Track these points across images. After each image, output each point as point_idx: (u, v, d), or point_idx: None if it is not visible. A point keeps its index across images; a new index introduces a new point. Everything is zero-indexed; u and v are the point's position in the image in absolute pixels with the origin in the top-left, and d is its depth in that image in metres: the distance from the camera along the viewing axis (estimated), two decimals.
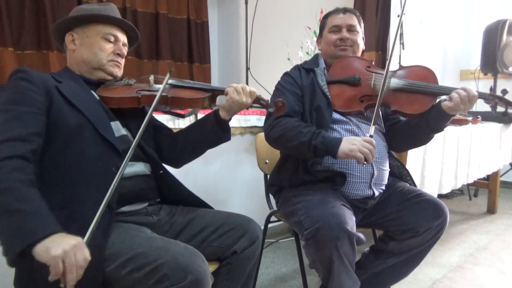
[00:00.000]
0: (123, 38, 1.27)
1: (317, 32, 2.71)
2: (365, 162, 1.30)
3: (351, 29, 1.59)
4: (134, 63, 2.87)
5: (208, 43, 3.29)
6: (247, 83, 2.85)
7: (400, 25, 3.03)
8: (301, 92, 1.54)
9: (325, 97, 1.50)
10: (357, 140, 1.31)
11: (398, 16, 3.04)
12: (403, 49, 3.14)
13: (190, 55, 3.20)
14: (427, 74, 1.51)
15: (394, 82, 1.46)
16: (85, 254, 0.86)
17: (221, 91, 1.26)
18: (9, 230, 0.87)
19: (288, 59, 2.73)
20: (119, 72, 1.27)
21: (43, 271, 0.98)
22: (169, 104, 1.23)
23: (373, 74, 1.51)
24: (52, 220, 0.89)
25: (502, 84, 3.63)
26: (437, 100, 1.44)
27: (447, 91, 1.41)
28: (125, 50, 1.28)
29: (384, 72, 1.40)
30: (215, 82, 3.39)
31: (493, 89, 3.43)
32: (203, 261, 0.99)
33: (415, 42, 3.73)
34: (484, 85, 3.86)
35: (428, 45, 3.97)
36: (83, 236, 0.90)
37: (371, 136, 1.32)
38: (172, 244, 1.01)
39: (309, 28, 2.79)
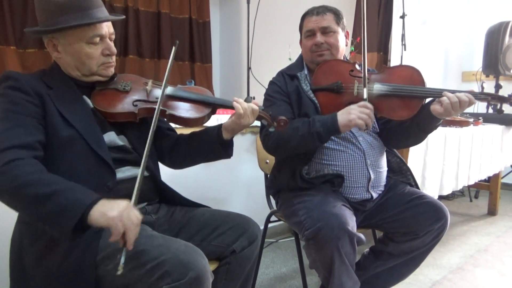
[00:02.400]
0: (108, 29, 1.13)
1: None
2: (365, 129, 1.30)
3: (325, 31, 1.49)
4: (135, 62, 2.87)
5: (210, 42, 3.29)
6: (248, 83, 2.85)
7: (402, 26, 3.03)
8: (289, 100, 1.50)
9: (312, 103, 1.46)
10: (353, 108, 1.30)
11: (401, 17, 3.04)
12: (405, 50, 3.13)
13: (191, 54, 3.20)
14: (411, 74, 1.42)
15: (377, 88, 1.38)
16: (137, 213, 0.91)
17: (223, 106, 1.20)
18: (55, 211, 0.87)
19: (290, 59, 2.72)
20: (112, 70, 1.19)
21: (37, 274, 0.99)
22: (168, 120, 1.17)
23: (355, 79, 1.43)
24: (89, 190, 0.92)
25: (503, 85, 3.62)
26: (427, 101, 1.39)
27: (434, 93, 1.34)
28: (113, 39, 1.15)
29: (368, 77, 1.35)
30: (216, 82, 3.38)
31: (495, 90, 3.43)
32: (203, 258, 0.99)
33: (417, 43, 3.72)
34: (485, 86, 3.85)
35: (430, 47, 3.97)
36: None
37: (365, 99, 1.31)
38: (173, 242, 1.02)
39: None
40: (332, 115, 1.34)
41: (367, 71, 1.38)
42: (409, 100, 1.37)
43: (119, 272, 0.87)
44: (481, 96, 1.35)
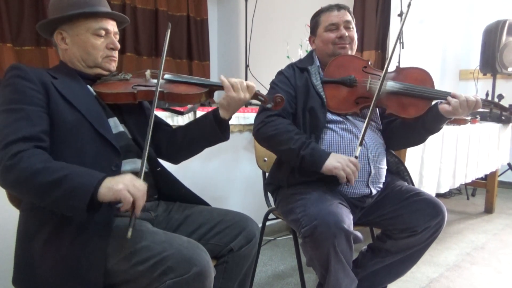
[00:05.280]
0: (113, 28, 1.22)
1: None
2: (347, 183, 1.35)
3: (347, 25, 1.57)
4: (133, 60, 2.87)
5: (208, 40, 3.29)
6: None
7: (401, 25, 3.03)
8: (295, 92, 1.52)
9: (319, 97, 1.49)
10: (343, 159, 1.35)
11: (398, 15, 3.04)
12: (403, 48, 3.13)
13: (189, 52, 3.19)
14: (423, 76, 1.49)
15: (390, 85, 1.45)
16: (141, 183, 0.96)
17: (219, 87, 1.24)
18: (67, 194, 0.91)
19: (288, 57, 2.73)
20: (114, 66, 1.25)
21: (42, 268, 0.99)
22: (166, 100, 1.21)
23: (369, 75, 1.49)
24: (94, 171, 0.97)
25: (501, 84, 3.63)
26: (434, 102, 1.44)
27: (444, 95, 1.40)
28: (117, 39, 1.23)
29: (381, 74, 1.40)
30: (214, 80, 3.38)
31: (492, 89, 3.44)
32: (206, 254, 1.00)
33: (415, 41, 3.73)
34: (483, 85, 3.87)
35: (428, 45, 3.97)
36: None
37: (356, 157, 1.35)
38: (175, 238, 1.02)
39: (309, 26, 2.78)
40: (327, 152, 1.38)
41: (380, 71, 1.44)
42: (419, 100, 1.44)
43: (128, 235, 0.92)
44: (485, 102, 1.43)
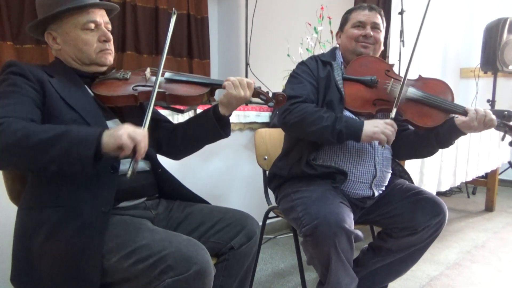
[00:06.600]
0: (102, 18, 1.16)
1: (317, 28, 2.71)
2: (385, 145, 1.35)
3: (375, 26, 1.56)
4: (133, 58, 2.87)
5: (208, 38, 3.29)
6: None
7: (401, 22, 3.03)
8: (317, 84, 1.52)
9: (339, 93, 1.48)
10: (379, 123, 1.35)
11: (399, 13, 3.04)
12: (403, 46, 3.12)
13: (189, 50, 3.19)
14: (444, 89, 1.50)
15: (411, 92, 1.45)
16: (141, 130, 0.95)
17: (219, 85, 1.22)
18: (70, 147, 0.90)
19: (288, 55, 2.72)
20: (111, 59, 1.20)
21: (40, 266, 0.99)
22: (167, 102, 1.19)
23: (392, 79, 1.49)
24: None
25: (501, 82, 3.63)
26: (450, 116, 1.43)
27: (462, 110, 1.40)
28: (109, 30, 1.18)
29: (402, 79, 1.40)
30: (214, 78, 3.38)
31: (493, 87, 3.43)
32: (206, 252, 1.00)
33: (415, 39, 3.71)
34: (483, 83, 3.86)
35: (429, 43, 3.96)
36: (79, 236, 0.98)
37: (392, 118, 1.36)
38: (175, 236, 1.02)
39: (309, 25, 2.78)
40: (360, 121, 1.38)
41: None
42: (437, 110, 1.44)
43: (128, 175, 0.92)
44: (500, 124, 1.42)
